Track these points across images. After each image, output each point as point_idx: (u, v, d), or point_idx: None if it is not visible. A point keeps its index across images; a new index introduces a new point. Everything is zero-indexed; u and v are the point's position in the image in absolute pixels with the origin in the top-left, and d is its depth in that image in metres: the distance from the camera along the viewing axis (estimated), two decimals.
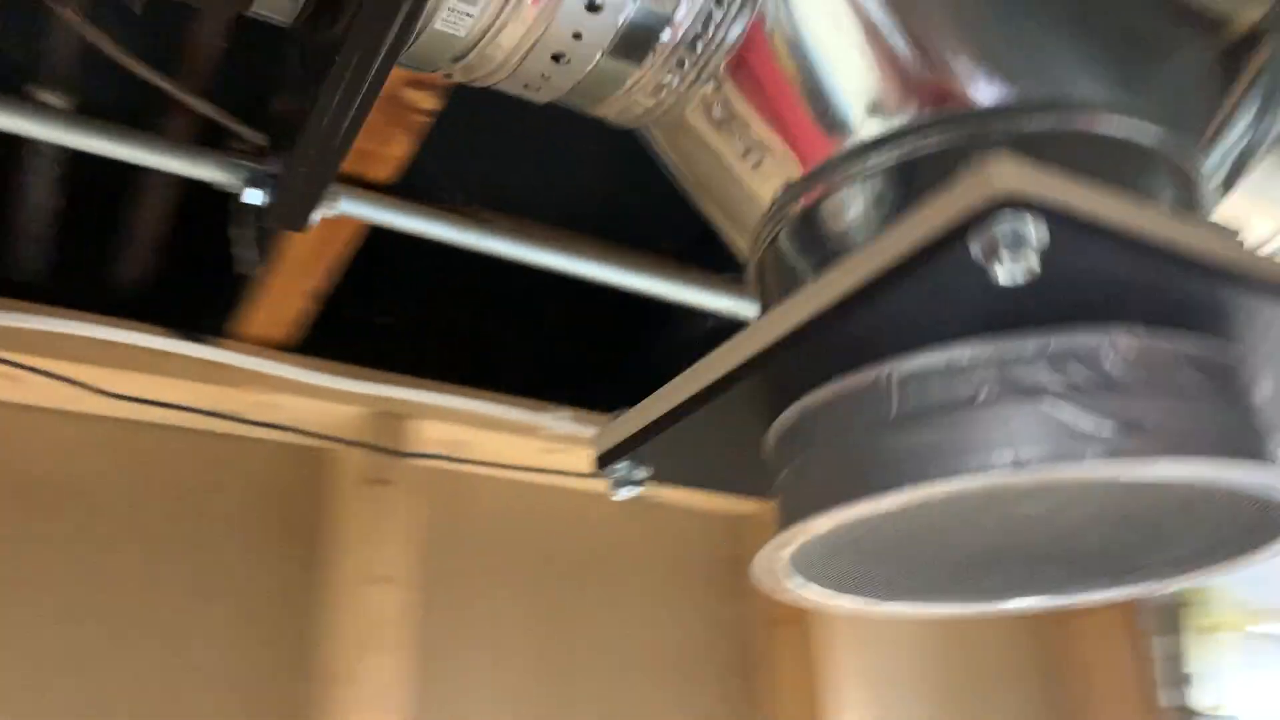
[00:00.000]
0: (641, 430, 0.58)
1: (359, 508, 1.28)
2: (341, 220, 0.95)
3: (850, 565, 0.57)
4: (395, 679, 1.21)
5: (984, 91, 0.51)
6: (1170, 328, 0.46)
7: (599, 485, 0.59)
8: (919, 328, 0.47)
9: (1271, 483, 0.45)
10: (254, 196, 0.81)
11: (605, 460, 0.60)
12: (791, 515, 0.52)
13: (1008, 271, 0.39)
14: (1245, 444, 0.46)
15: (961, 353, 0.47)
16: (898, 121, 0.52)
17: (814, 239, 0.55)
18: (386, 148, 0.92)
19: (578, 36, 0.52)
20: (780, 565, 0.55)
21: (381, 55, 0.51)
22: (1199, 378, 0.47)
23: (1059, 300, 0.44)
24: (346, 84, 0.55)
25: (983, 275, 0.40)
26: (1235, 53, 0.60)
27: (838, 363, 0.50)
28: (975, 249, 0.39)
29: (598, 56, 0.53)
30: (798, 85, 0.53)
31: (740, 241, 0.63)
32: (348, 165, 0.92)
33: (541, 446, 1.39)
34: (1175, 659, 1.68)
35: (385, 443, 1.30)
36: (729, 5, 0.51)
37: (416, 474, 1.33)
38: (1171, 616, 1.71)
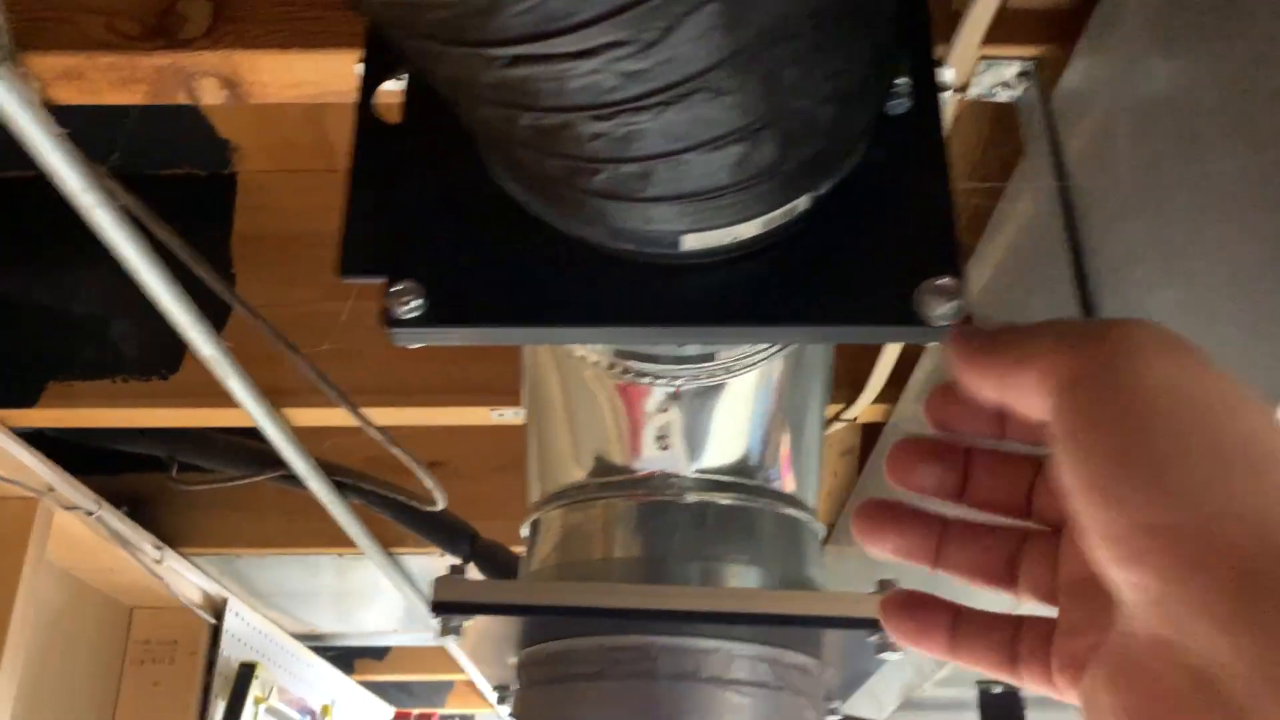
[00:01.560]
0: (486, 604, 0.72)
1: None
2: None
3: None
4: None
5: (785, 484, 0.82)
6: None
7: None
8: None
9: None
10: None
11: (445, 609, 0.72)
12: None
13: (889, 655, 0.70)
14: None
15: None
16: (744, 479, 0.80)
17: (689, 525, 0.78)
18: None
19: None
20: None
21: None
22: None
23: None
24: None
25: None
26: None
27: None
28: (874, 638, 0.71)
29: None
30: (735, 429, 0.77)
31: (567, 467, 0.81)
32: None
33: None
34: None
35: None
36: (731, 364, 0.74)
37: None
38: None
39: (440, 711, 3.30)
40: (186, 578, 1.85)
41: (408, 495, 1.48)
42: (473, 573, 1.50)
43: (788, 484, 0.83)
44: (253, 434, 1.61)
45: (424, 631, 2.60)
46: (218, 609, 1.95)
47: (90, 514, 1.51)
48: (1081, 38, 0.71)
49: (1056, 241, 0.73)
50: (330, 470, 1.49)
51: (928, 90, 0.63)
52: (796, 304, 0.59)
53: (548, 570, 0.81)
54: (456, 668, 2.90)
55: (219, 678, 1.92)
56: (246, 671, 1.98)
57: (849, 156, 0.58)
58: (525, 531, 0.87)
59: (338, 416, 1.37)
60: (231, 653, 1.96)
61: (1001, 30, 0.78)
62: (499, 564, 1.49)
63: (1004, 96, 0.81)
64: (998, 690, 1.08)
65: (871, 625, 0.70)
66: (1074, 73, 0.73)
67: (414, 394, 1.32)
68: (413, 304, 0.58)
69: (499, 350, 1.29)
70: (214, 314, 1.30)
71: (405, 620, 2.56)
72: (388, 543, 1.84)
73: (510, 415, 1.34)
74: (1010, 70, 0.79)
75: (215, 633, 1.94)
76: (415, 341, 0.60)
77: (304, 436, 1.40)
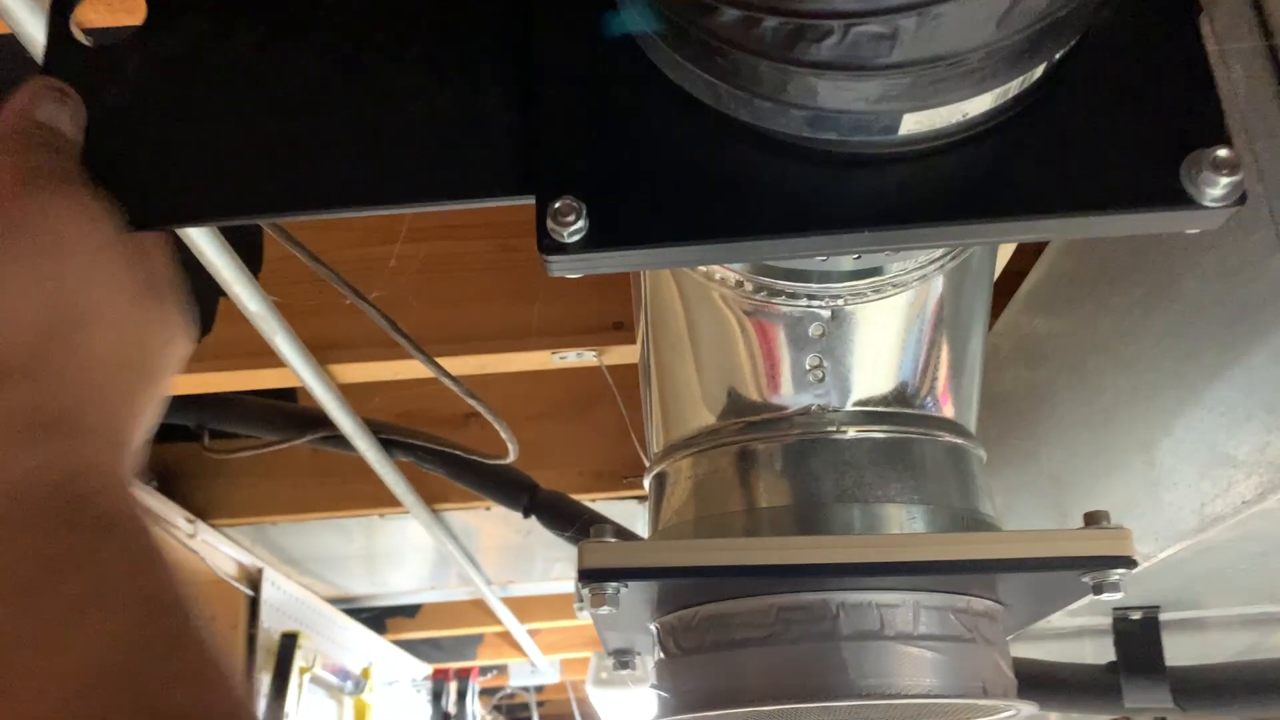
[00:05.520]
0: (645, 569, 0.63)
1: None
2: None
3: None
4: None
5: (945, 408, 0.73)
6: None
7: None
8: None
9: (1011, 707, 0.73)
10: None
11: (595, 577, 0.62)
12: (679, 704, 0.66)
13: (1107, 595, 0.62)
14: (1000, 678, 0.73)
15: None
16: (903, 408, 0.70)
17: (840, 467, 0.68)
18: None
19: None
20: None
21: None
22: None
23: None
24: None
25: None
26: None
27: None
28: (1086, 578, 0.62)
29: None
30: (893, 350, 0.68)
31: (696, 409, 0.71)
32: None
33: None
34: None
35: None
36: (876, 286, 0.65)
37: None
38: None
39: (478, 664, 3.24)
40: (220, 550, 1.76)
41: (464, 449, 1.38)
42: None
43: (947, 408, 0.74)
44: (280, 395, 1.51)
45: (454, 587, 2.52)
46: (254, 580, 1.86)
47: None
48: None
49: (1266, 108, 0.63)
50: (376, 428, 1.39)
51: None
52: (1036, 191, 0.49)
53: (684, 525, 0.71)
54: (486, 621, 2.83)
55: (261, 651, 1.84)
56: (289, 642, 1.90)
57: (1101, 7, 0.47)
58: (648, 484, 0.77)
59: (382, 370, 1.27)
60: (271, 624, 1.88)
61: None
62: (563, 515, 1.40)
63: None
64: (1136, 617, 1.00)
65: (1090, 564, 0.61)
66: None
67: (470, 340, 1.22)
68: (574, 225, 0.48)
69: (559, 288, 1.19)
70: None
71: (434, 577, 2.48)
72: (430, 499, 1.75)
73: (572, 358, 1.24)
74: None
75: (253, 605, 1.85)
76: (575, 270, 0.50)
77: (344, 393, 1.30)
